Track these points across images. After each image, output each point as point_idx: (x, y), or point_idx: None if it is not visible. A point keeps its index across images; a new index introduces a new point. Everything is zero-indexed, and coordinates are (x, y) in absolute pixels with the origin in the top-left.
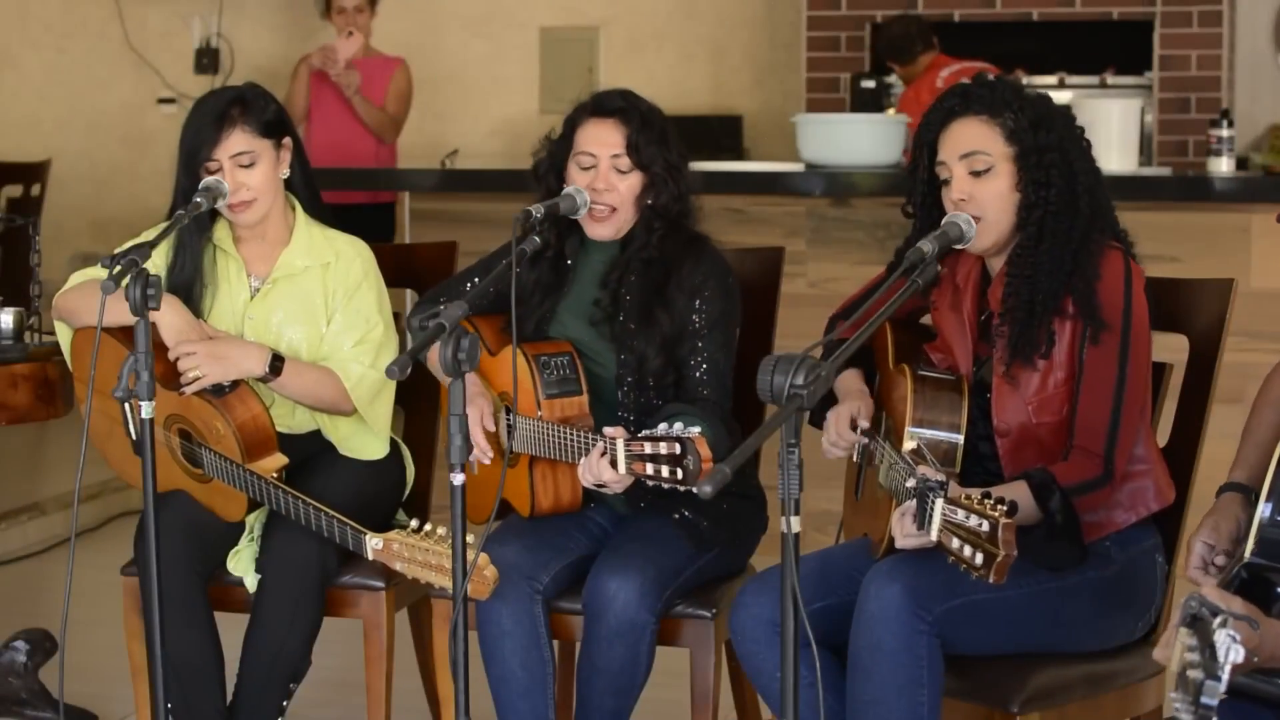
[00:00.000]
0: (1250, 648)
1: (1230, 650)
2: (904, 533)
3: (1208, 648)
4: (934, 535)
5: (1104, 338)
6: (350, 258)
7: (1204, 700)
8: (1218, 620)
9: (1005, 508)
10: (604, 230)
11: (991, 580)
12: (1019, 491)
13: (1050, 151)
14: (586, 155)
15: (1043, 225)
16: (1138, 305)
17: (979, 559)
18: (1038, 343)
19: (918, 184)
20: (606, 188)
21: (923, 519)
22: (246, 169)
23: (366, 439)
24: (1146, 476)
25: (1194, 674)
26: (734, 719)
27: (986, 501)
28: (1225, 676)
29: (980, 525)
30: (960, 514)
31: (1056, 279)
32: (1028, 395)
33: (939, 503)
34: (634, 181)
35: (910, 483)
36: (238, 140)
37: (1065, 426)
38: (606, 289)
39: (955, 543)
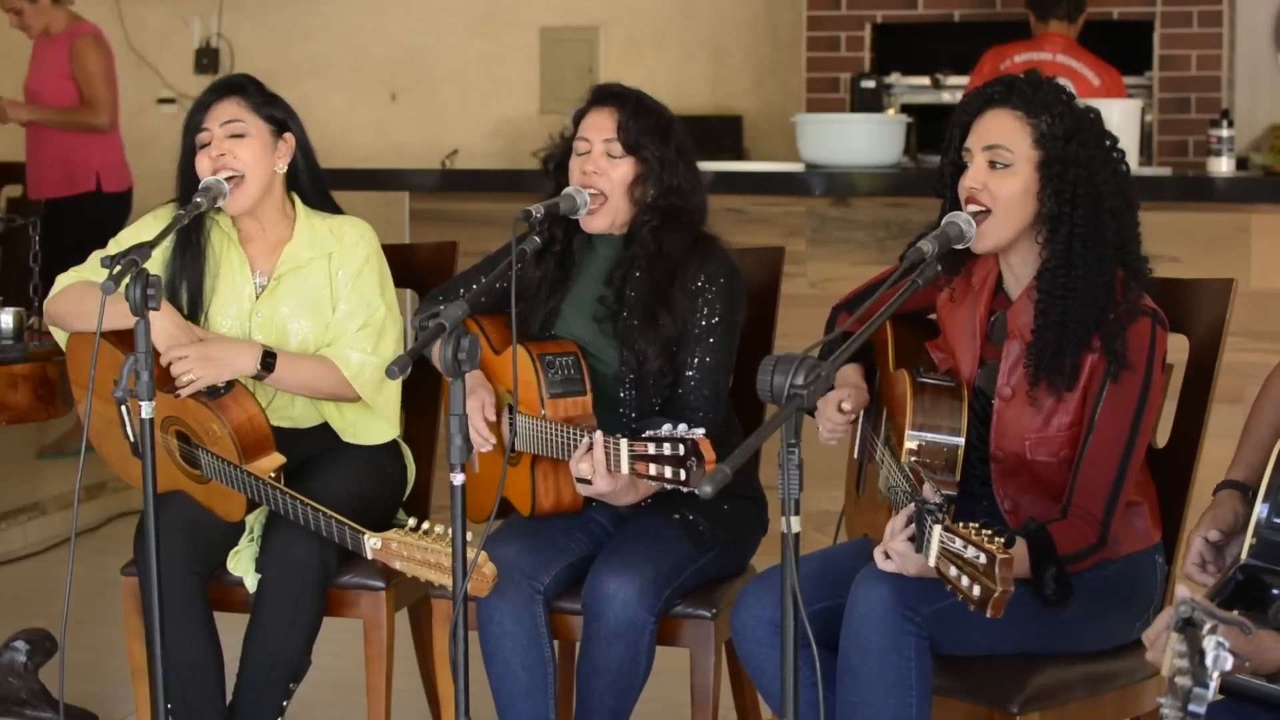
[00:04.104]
0: (1243, 653)
1: (1219, 658)
2: (893, 534)
3: (1197, 654)
4: (932, 561)
5: (1122, 391)
6: (354, 240)
7: (1192, 708)
8: (1207, 626)
9: (1003, 540)
10: (597, 222)
11: (989, 614)
12: (1017, 550)
13: (1077, 167)
14: (583, 141)
15: (1070, 245)
16: (1156, 375)
17: (976, 591)
18: (1064, 370)
19: (947, 164)
20: (597, 171)
21: (920, 542)
22: (236, 140)
23: (374, 424)
24: (1138, 516)
25: (1182, 680)
26: (734, 719)
27: (984, 533)
28: (1214, 684)
29: (978, 557)
30: (958, 543)
31: (1090, 310)
32: (1028, 431)
33: (936, 529)
34: (625, 169)
35: (910, 503)
36: (229, 108)
37: (1061, 467)
38: (611, 286)
39: (953, 571)
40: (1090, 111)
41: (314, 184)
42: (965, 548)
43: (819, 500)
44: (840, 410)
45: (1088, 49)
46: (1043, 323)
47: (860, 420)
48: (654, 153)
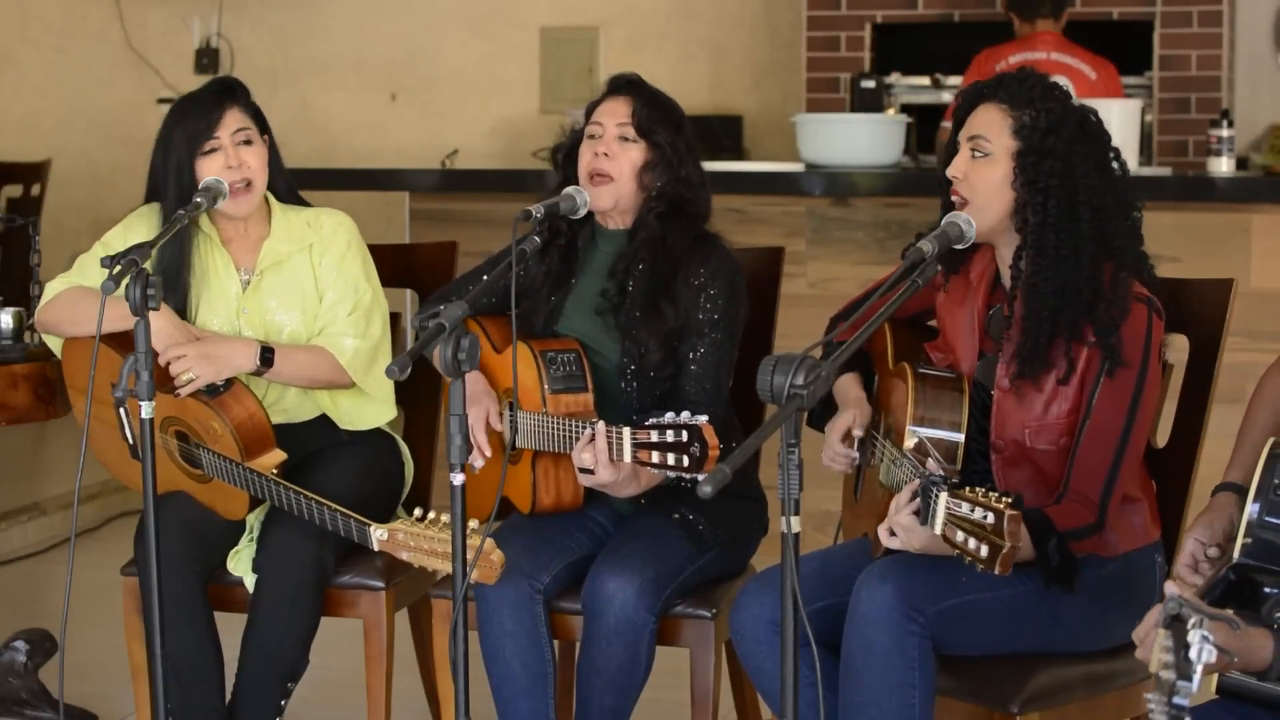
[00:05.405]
0: (1231, 648)
1: (1203, 651)
2: (897, 509)
3: (1182, 649)
4: (938, 529)
5: (1117, 383)
6: (332, 229)
7: (1176, 701)
8: (1192, 621)
9: (1010, 500)
10: (603, 200)
11: (996, 572)
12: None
13: (1052, 159)
14: (596, 125)
15: (1042, 236)
16: (1153, 362)
17: (983, 551)
18: (1048, 361)
19: (944, 160)
20: (609, 154)
21: (925, 514)
22: (246, 146)
23: (368, 408)
24: (1137, 513)
25: (1166, 675)
26: (734, 719)
27: (991, 494)
28: (1197, 678)
29: (985, 517)
30: (964, 507)
31: (1075, 304)
32: (1028, 419)
33: (942, 496)
34: (636, 155)
35: (914, 479)
36: (236, 117)
37: (1061, 456)
38: (614, 279)
39: (959, 535)
40: (1085, 111)
41: (284, 180)
42: (972, 510)
43: (819, 500)
44: (847, 440)
45: (1080, 44)
46: (1020, 311)
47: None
48: (666, 139)
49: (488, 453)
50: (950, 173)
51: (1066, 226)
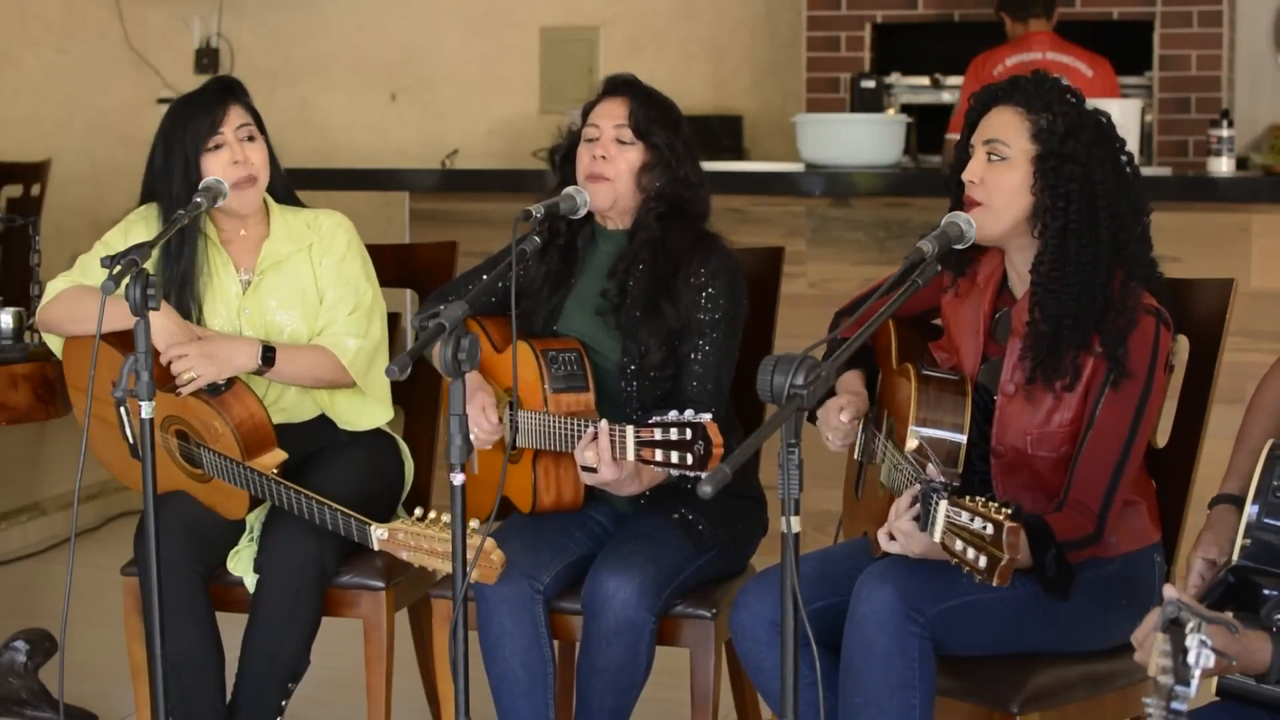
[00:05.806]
0: (1230, 652)
1: (1201, 656)
2: (898, 514)
3: (1181, 653)
4: (937, 537)
5: (1122, 395)
6: (331, 229)
7: (1174, 706)
8: (1190, 625)
9: (1010, 511)
10: (601, 197)
11: (995, 583)
12: None
13: (1072, 163)
14: (593, 127)
15: (1064, 241)
16: (1159, 375)
17: (982, 562)
18: (1061, 368)
19: (960, 163)
20: (606, 156)
21: (925, 520)
22: (250, 142)
23: (368, 410)
24: (1137, 514)
25: (1165, 679)
26: (734, 719)
27: (991, 505)
28: (1195, 682)
29: (984, 528)
30: (964, 516)
31: (1088, 309)
32: (1029, 426)
33: (942, 504)
34: (634, 156)
35: (914, 486)
36: (239, 113)
37: (1061, 464)
38: (614, 279)
39: (959, 545)
40: (1099, 114)
41: (281, 180)
42: (972, 520)
43: (819, 500)
44: (840, 419)
45: (1074, 42)
46: (1038, 316)
47: (861, 424)
48: (664, 140)
49: (494, 435)
50: (966, 176)
51: (1087, 232)
